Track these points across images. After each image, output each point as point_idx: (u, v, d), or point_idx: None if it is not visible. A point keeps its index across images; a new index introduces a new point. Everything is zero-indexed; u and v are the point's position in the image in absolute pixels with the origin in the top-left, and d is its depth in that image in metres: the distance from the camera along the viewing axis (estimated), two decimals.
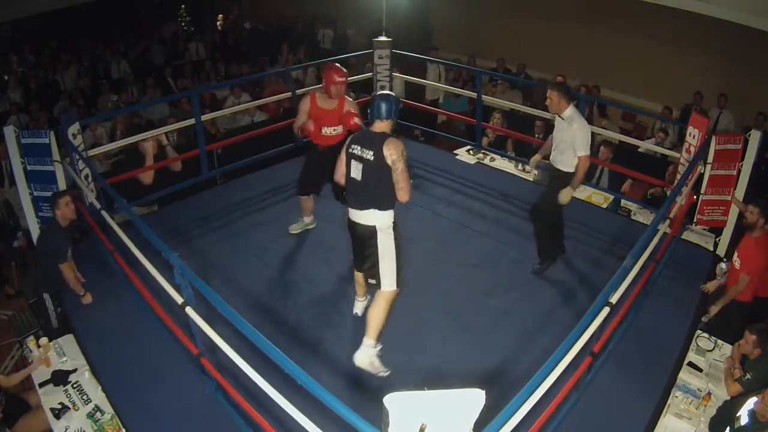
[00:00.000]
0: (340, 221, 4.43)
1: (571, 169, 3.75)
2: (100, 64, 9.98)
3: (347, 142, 3.03)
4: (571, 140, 3.65)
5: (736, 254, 3.77)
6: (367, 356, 3.04)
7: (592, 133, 6.00)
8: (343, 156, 3.04)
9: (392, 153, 2.83)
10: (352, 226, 3.07)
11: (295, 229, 4.45)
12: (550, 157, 3.93)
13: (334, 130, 4.00)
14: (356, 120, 3.82)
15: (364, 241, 3.03)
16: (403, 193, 2.92)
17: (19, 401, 3.22)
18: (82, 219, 4.18)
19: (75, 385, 3.12)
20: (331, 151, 3.88)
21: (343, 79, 3.87)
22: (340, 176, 3.12)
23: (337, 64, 3.96)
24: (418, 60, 6.93)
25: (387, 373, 3.09)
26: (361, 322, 3.55)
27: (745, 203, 4.11)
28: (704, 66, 8.11)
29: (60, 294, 3.66)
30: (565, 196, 3.76)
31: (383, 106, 2.95)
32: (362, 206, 2.96)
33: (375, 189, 2.91)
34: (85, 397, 3.04)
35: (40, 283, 3.64)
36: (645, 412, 2.95)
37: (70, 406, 2.99)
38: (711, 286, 3.89)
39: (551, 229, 4.01)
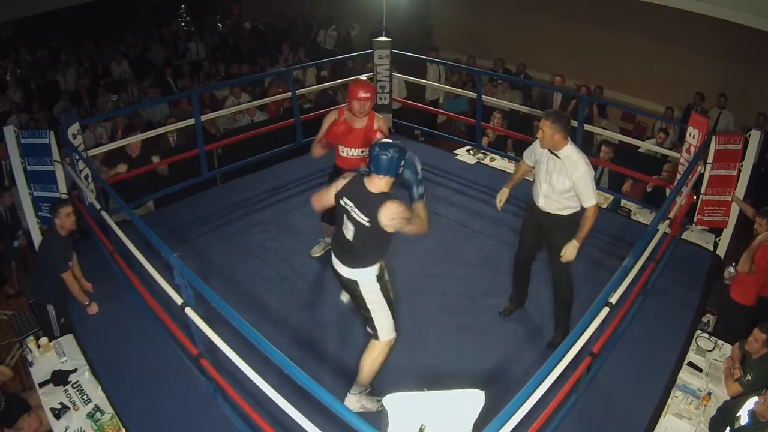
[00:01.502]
0: None
1: (574, 209, 3.09)
2: (99, 63, 9.98)
3: (339, 190, 2.66)
4: (574, 185, 2.98)
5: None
6: (355, 401, 2.81)
7: (592, 134, 6.08)
8: (331, 192, 2.70)
9: (394, 223, 2.50)
10: (335, 272, 2.82)
11: (317, 251, 4.15)
12: (540, 201, 3.17)
13: (362, 152, 3.55)
14: (379, 137, 3.38)
15: (348, 291, 2.82)
16: (418, 233, 2.65)
17: (19, 401, 3.22)
18: (82, 219, 4.18)
19: (75, 385, 3.12)
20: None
21: (368, 95, 3.44)
22: (320, 207, 2.85)
23: (362, 78, 3.56)
24: (418, 60, 6.92)
25: (381, 405, 2.96)
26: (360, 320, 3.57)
27: (746, 202, 4.12)
28: (704, 66, 8.11)
29: (64, 304, 3.61)
30: (571, 252, 3.04)
31: (383, 160, 2.49)
32: (345, 263, 2.71)
33: (364, 251, 2.65)
34: (85, 397, 3.04)
35: (41, 293, 3.60)
36: (645, 412, 2.95)
37: (70, 406, 2.99)
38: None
39: (571, 293, 3.29)
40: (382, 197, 2.52)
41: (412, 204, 2.70)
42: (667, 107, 7.54)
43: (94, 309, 3.60)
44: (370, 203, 2.52)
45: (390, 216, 2.48)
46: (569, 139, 3.00)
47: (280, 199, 4.99)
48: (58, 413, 2.94)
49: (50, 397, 3.05)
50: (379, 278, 2.74)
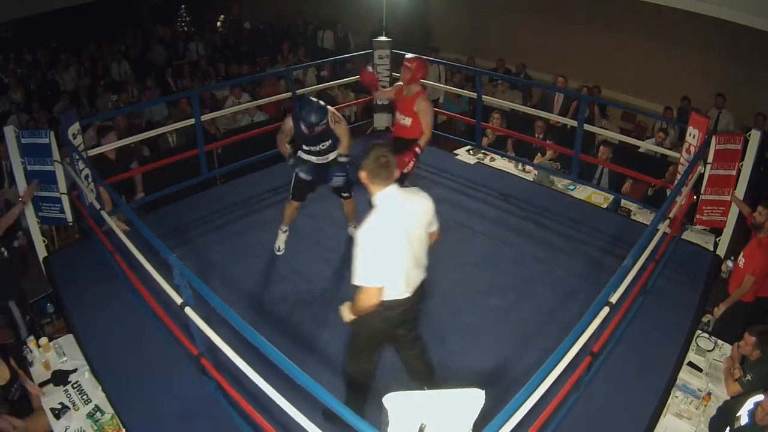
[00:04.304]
0: (340, 221, 4.43)
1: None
2: (99, 63, 9.99)
3: None
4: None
5: (741, 254, 3.79)
6: None
7: (592, 134, 6.06)
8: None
9: None
10: None
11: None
12: None
13: (403, 119, 4.13)
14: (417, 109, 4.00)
15: None
16: None
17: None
18: (82, 219, 4.18)
19: (75, 385, 3.12)
20: (398, 144, 4.09)
21: (410, 65, 4.06)
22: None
23: (414, 56, 4.22)
24: None
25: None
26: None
27: (745, 203, 4.12)
28: (704, 66, 8.12)
29: (27, 301, 3.66)
30: (344, 312, 2.42)
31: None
32: None
33: None
34: (85, 397, 3.04)
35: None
36: (645, 412, 2.95)
37: (70, 406, 2.99)
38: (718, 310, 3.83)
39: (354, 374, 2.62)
40: None
41: None
42: (666, 107, 7.53)
43: None
44: None
45: None
46: (388, 188, 2.25)
47: (280, 199, 4.96)
48: (58, 413, 2.94)
49: (50, 397, 3.05)
50: None
